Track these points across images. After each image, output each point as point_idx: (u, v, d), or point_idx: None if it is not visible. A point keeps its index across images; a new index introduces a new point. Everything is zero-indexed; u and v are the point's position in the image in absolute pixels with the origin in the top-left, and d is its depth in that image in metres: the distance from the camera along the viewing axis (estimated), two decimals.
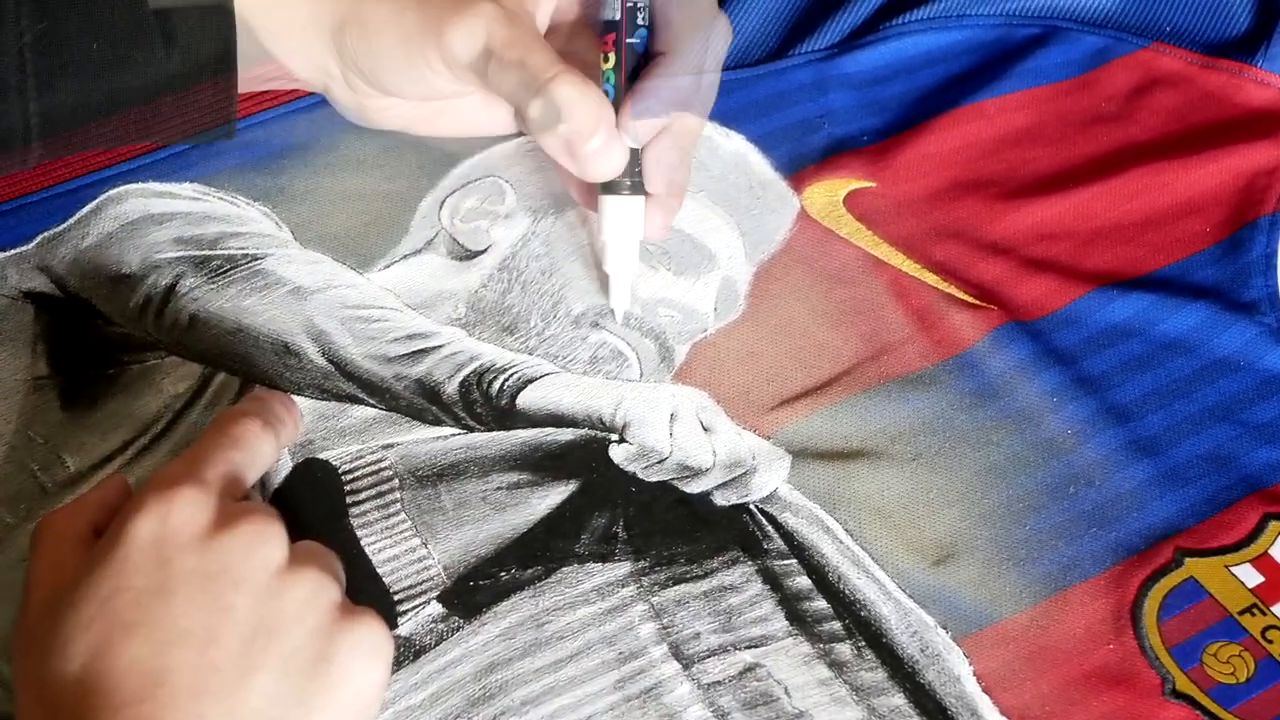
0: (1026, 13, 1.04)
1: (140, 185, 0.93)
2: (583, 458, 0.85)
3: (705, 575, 0.81)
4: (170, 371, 0.86)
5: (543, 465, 0.84)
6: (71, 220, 0.91)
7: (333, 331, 0.88)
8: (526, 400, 0.86)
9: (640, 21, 0.86)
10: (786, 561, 0.81)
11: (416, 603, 0.80)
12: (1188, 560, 0.82)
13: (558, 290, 0.91)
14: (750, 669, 0.78)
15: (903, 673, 0.79)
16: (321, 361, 0.87)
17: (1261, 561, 0.82)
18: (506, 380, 0.87)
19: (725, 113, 0.97)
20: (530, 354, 0.88)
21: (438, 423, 0.85)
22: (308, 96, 0.96)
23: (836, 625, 0.79)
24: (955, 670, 0.79)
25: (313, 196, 0.94)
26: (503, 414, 0.86)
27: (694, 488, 0.84)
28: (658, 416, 0.86)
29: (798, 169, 0.96)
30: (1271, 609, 0.81)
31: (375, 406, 0.86)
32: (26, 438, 0.84)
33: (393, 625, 0.79)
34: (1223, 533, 0.83)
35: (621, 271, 0.88)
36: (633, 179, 0.86)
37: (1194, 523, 0.84)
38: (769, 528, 0.82)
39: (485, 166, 0.95)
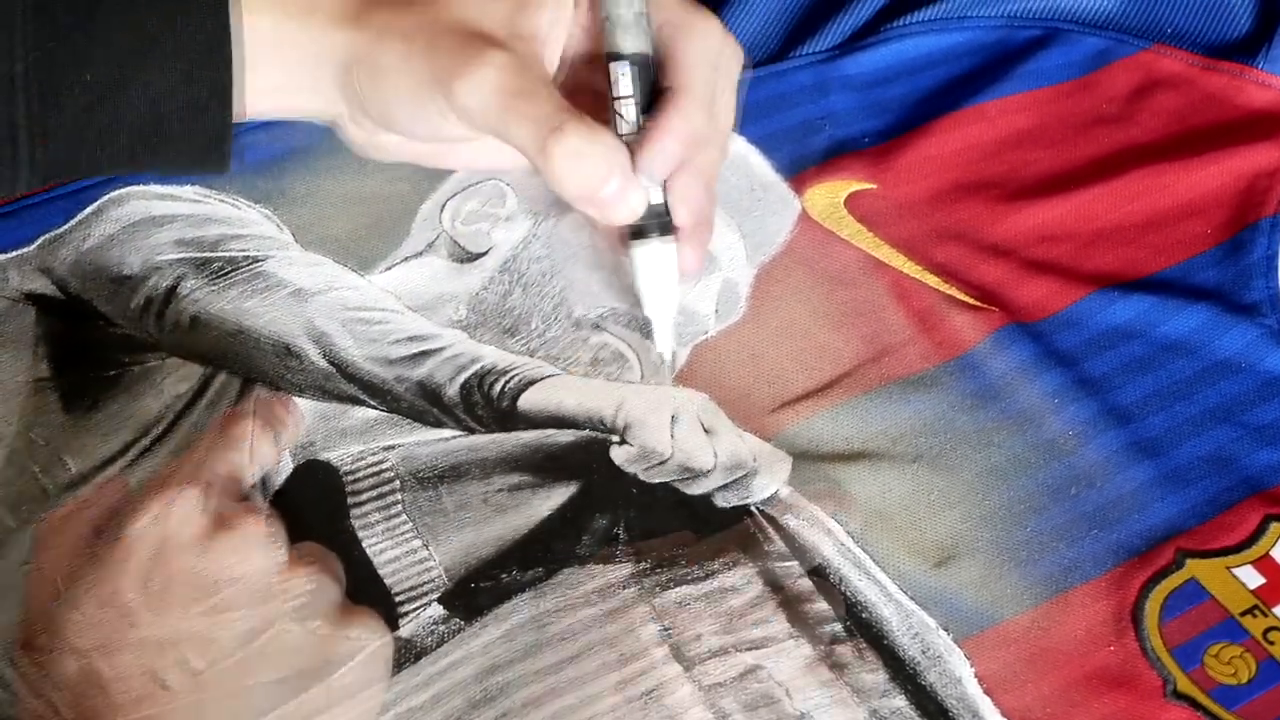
0: (1028, 14, 1.04)
1: (141, 187, 0.93)
2: (584, 459, 0.85)
3: (706, 577, 0.81)
4: (171, 372, 0.86)
5: (544, 467, 0.84)
6: (73, 222, 0.91)
7: (334, 333, 0.88)
8: (528, 402, 0.86)
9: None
10: (787, 563, 0.81)
11: (417, 604, 0.80)
12: (1189, 562, 0.82)
13: (559, 292, 0.91)
14: (751, 671, 0.78)
15: (904, 674, 0.79)
16: (323, 363, 0.87)
17: (1263, 563, 0.82)
18: (508, 382, 0.87)
19: None
20: (531, 356, 0.89)
21: (439, 425, 0.85)
22: None
23: (837, 627, 0.79)
24: (957, 672, 0.79)
25: (314, 199, 0.94)
26: (504, 416, 0.86)
27: (695, 489, 0.84)
28: (659, 418, 0.86)
29: (799, 171, 0.96)
30: (1273, 610, 0.81)
31: (376, 408, 0.86)
32: (28, 440, 0.84)
33: (394, 626, 0.79)
34: (1224, 534, 0.83)
35: (662, 315, 0.87)
36: (659, 219, 0.85)
37: (1195, 524, 0.84)
38: (770, 529, 0.82)
39: (485, 170, 0.95)
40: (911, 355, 0.89)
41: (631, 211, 0.84)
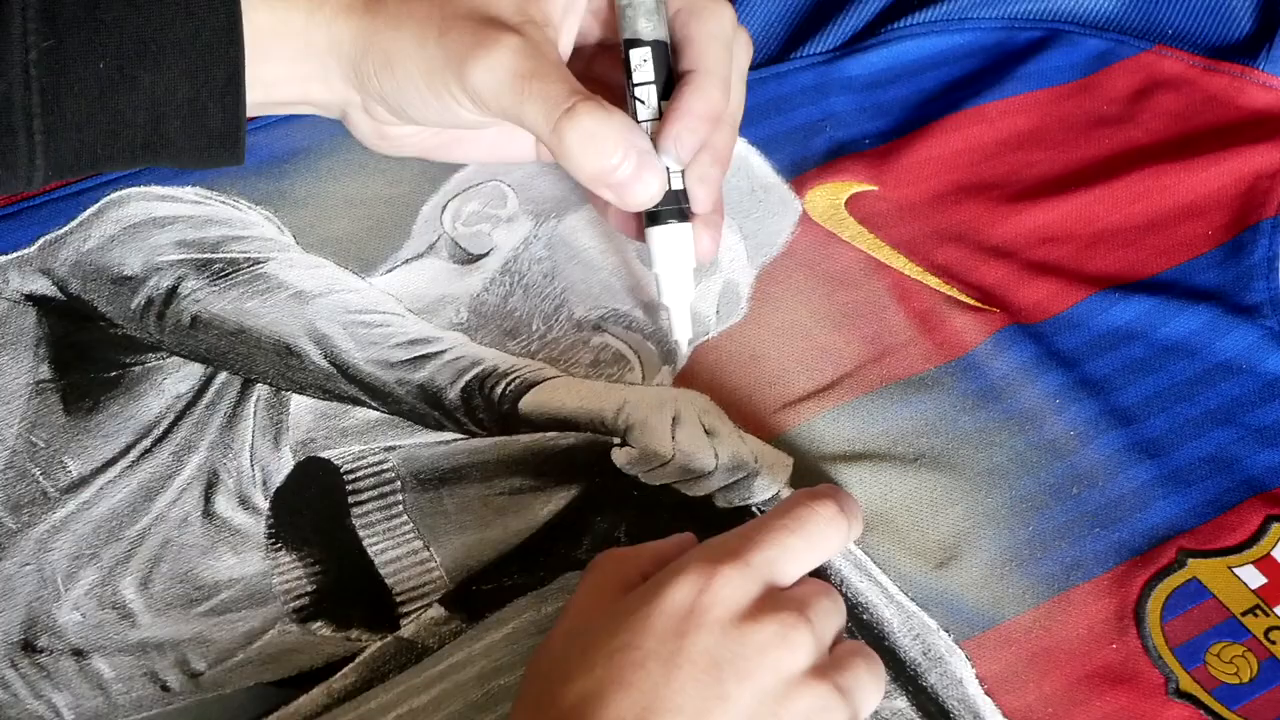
0: (1028, 16, 1.04)
1: (142, 188, 0.93)
2: (585, 462, 0.84)
3: None
4: (172, 372, 0.86)
5: (545, 470, 0.84)
6: (73, 223, 0.91)
7: (335, 336, 0.88)
8: (529, 404, 0.86)
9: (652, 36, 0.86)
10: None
11: (418, 605, 0.79)
12: (1191, 561, 0.82)
13: (559, 294, 0.91)
14: None
15: (905, 676, 0.78)
16: (324, 364, 0.87)
17: (1264, 563, 0.82)
18: (509, 385, 0.87)
19: None
20: (532, 357, 0.88)
21: (440, 427, 0.85)
22: None
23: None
24: (958, 673, 0.79)
25: (315, 201, 0.94)
26: (505, 418, 0.86)
27: (696, 491, 0.83)
28: (660, 420, 0.86)
29: (800, 172, 0.96)
30: (1274, 610, 0.81)
31: (378, 410, 0.86)
32: (29, 442, 0.84)
33: (394, 627, 0.79)
34: (1225, 534, 0.83)
35: (680, 301, 0.87)
36: (677, 205, 0.86)
37: (1197, 524, 0.83)
38: None
39: (487, 170, 0.95)
40: (913, 356, 0.89)
41: (649, 195, 0.84)
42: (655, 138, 0.84)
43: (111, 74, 0.83)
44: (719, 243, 0.88)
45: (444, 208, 0.94)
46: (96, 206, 0.92)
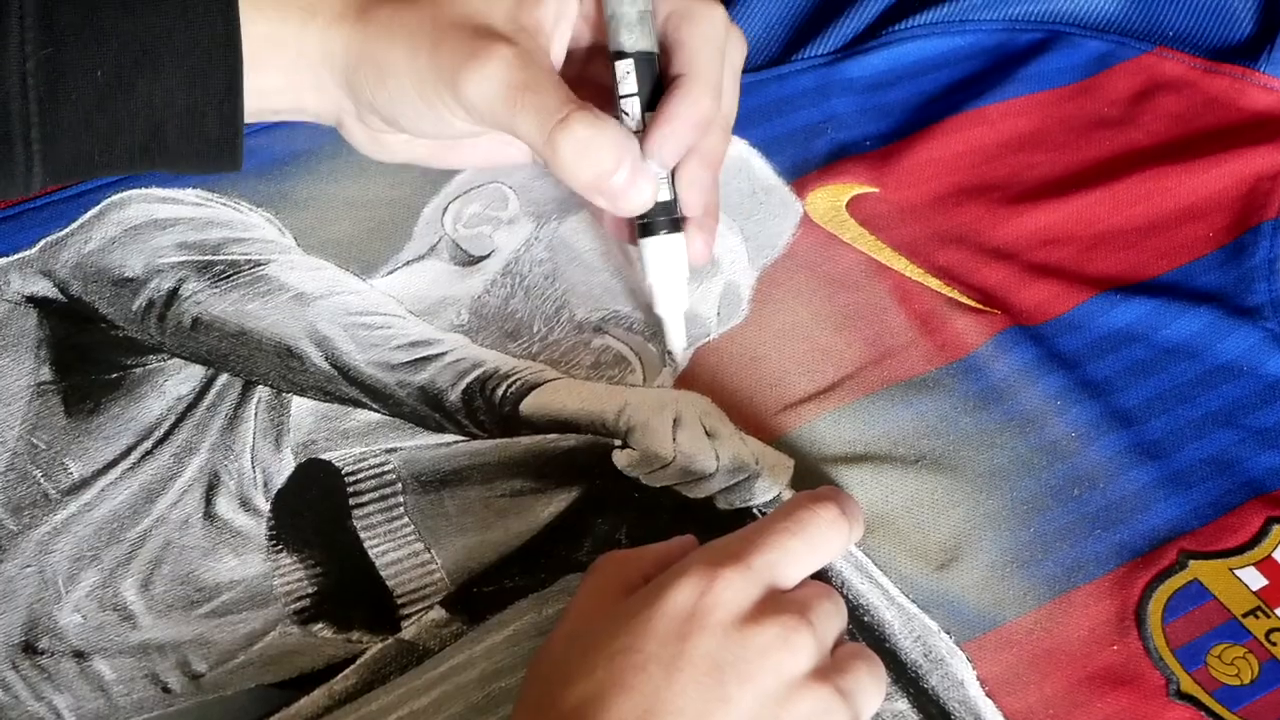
0: (1029, 18, 1.04)
1: (143, 190, 0.93)
2: (586, 464, 0.84)
3: None
4: (173, 374, 0.86)
5: (546, 472, 0.84)
6: (74, 225, 0.92)
7: (336, 338, 0.88)
8: (530, 406, 0.86)
9: (642, 45, 0.86)
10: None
11: (419, 606, 0.79)
12: (1192, 563, 0.82)
13: (560, 295, 0.91)
14: None
15: (906, 678, 0.78)
16: (325, 366, 0.87)
17: (1265, 565, 0.82)
18: (509, 387, 0.87)
19: None
20: (533, 359, 0.88)
21: (441, 429, 0.85)
22: None
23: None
24: (959, 675, 0.79)
25: (316, 203, 0.94)
26: (506, 420, 0.86)
27: (697, 493, 0.83)
28: (661, 422, 0.85)
29: (801, 174, 0.96)
30: (1275, 612, 0.80)
31: (379, 411, 0.86)
32: (30, 444, 0.84)
33: (395, 628, 0.79)
34: (1227, 536, 0.83)
35: (673, 312, 0.88)
36: (669, 215, 0.86)
37: (1198, 525, 0.83)
38: None
39: (488, 172, 0.95)
40: (914, 358, 0.89)
41: (642, 201, 0.84)
42: (641, 144, 0.84)
43: (109, 81, 0.83)
44: (712, 246, 0.89)
45: (445, 210, 0.94)
46: (98, 208, 0.92)
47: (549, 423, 0.86)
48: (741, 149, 0.96)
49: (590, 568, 0.76)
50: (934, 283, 0.92)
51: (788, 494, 0.84)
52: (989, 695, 0.78)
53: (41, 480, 0.83)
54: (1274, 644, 0.80)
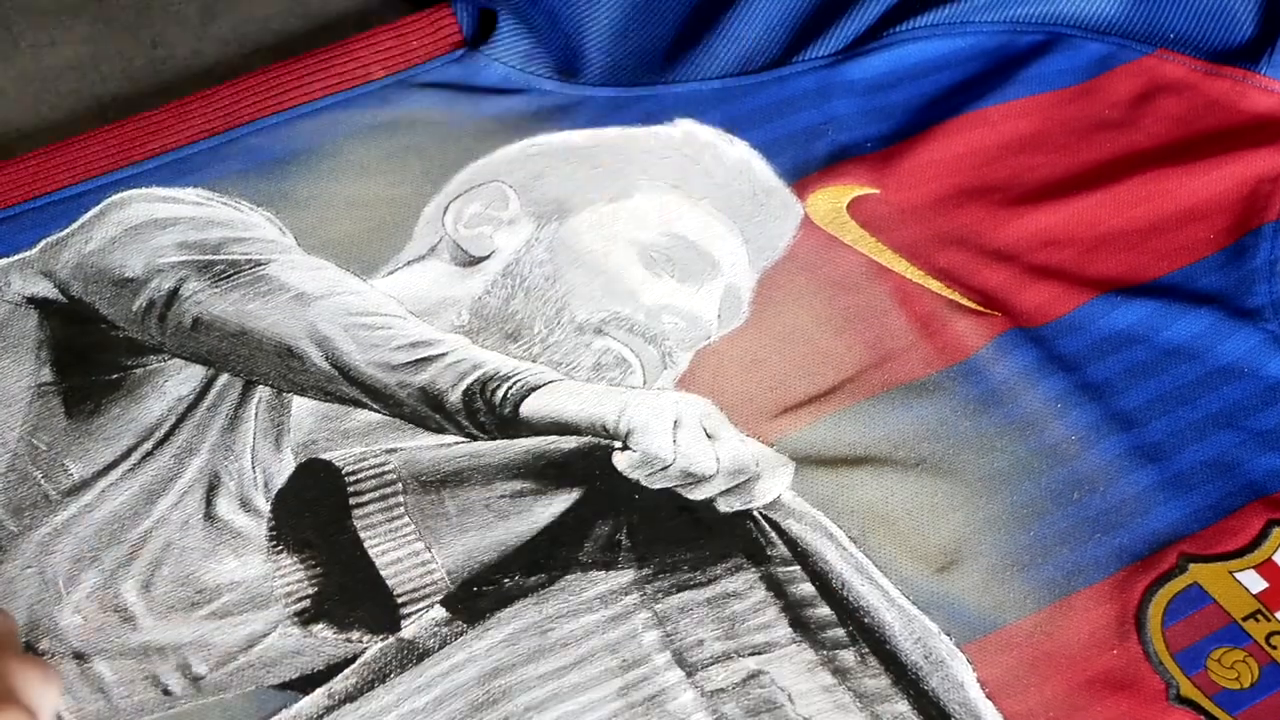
0: (1030, 19, 1.04)
1: (144, 190, 0.93)
2: (586, 465, 0.84)
3: (709, 582, 0.81)
4: (173, 374, 0.86)
5: (546, 473, 0.84)
6: (75, 225, 0.91)
7: (336, 338, 0.88)
8: (530, 408, 0.86)
9: None
10: (790, 568, 0.81)
11: (419, 606, 0.80)
12: (1192, 566, 0.82)
13: (561, 297, 0.91)
14: (754, 676, 0.78)
15: (906, 679, 0.79)
16: (325, 366, 0.87)
17: (1265, 568, 0.82)
18: (510, 388, 0.86)
19: (729, 119, 0.97)
20: (533, 361, 0.88)
21: (441, 430, 0.85)
22: (311, 103, 0.96)
23: (840, 632, 0.79)
24: (959, 677, 0.79)
25: (316, 202, 0.94)
26: (506, 422, 0.86)
27: (697, 495, 0.83)
28: (661, 423, 0.85)
29: (801, 176, 0.97)
30: (1275, 615, 0.81)
31: (379, 412, 0.86)
32: (30, 445, 0.84)
33: (395, 627, 0.79)
34: (1226, 539, 0.83)
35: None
36: None
37: (1198, 529, 0.84)
38: (772, 534, 0.82)
39: (489, 171, 0.95)
40: (914, 360, 0.89)
41: None
42: None
43: None
44: None
45: (445, 209, 0.94)
46: (98, 208, 0.92)
47: (549, 424, 0.86)
48: (742, 150, 0.97)
49: None
50: (934, 284, 0.92)
51: (788, 496, 0.84)
52: (989, 697, 0.78)
53: (42, 481, 0.83)
54: (1274, 647, 0.80)
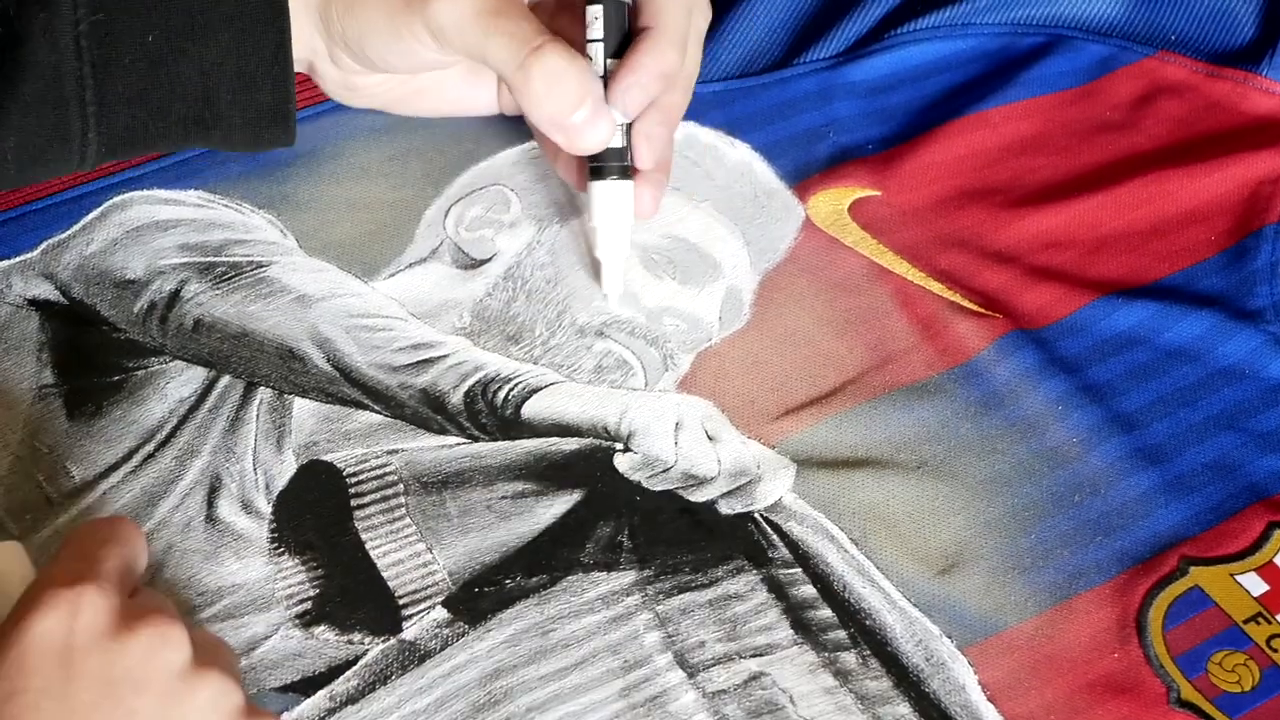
0: (1031, 21, 1.04)
1: (145, 192, 0.93)
2: (587, 467, 0.84)
3: (710, 584, 0.81)
4: (174, 376, 0.86)
5: (547, 475, 0.84)
6: (76, 227, 0.91)
7: (337, 340, 0.88)
8: (531, 410, 0.86)
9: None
10: (791, 570, 0.81)
11: (421, 607, 0.79)
12: (1193, 569, 0.82)
13: (563, 299, 0.91)
14: (755, 677, 0.78)
15: (907, 681, 0.78)
16: (327, 368, 0.87)
17: (1267, 570, 0.82)
18: (511, 390, 0.87)
19: (730, 121, 0.97)
20: (535, 363, 0.88)
21: (443, 432, 0.85)
22: (313, 105, 0.96)
23: (841, 634, 0.79)
24: (960, 679, 0.79)
25: (318, 204, 0.94)
26: (507, 424, 0.86)
27: (699, 496, 0.83)
28: (663, 425, 0.86)
29: (803, 178, 0.97)
30: (1276, 617, 0.81)
31: (380, 413, 0.86)
32: (32, 448, 0.84)
33: (396, 629, 0.79)
34: (1228, 541, 0.83)
35: (613, 256, 0.88)
36: (620, 162, 0.87)
37: (1199, 531, 0.84)
38: (774, 536, 0.82)
39: (490, 175, 0.95)
40: (915, 362, 0.89)
41: (599, 140, 0.85)
42: (606, 90, 0.85)
43: (160, 46, 0.84)
44: (660, 201, 0.89)
45: (447, 212, 0.94)
46: (99, 210, 0.92)
47: (551, 426, 0.86)
48: (744, 152, 0.97)
49: None
50: (936, 286, 0.92)
51: (789, 498, 0.84)
52: (991, 700, 0.78)
53: (43, 483, 0.83)
54: (1275, 650, 0.80)
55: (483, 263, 0.92)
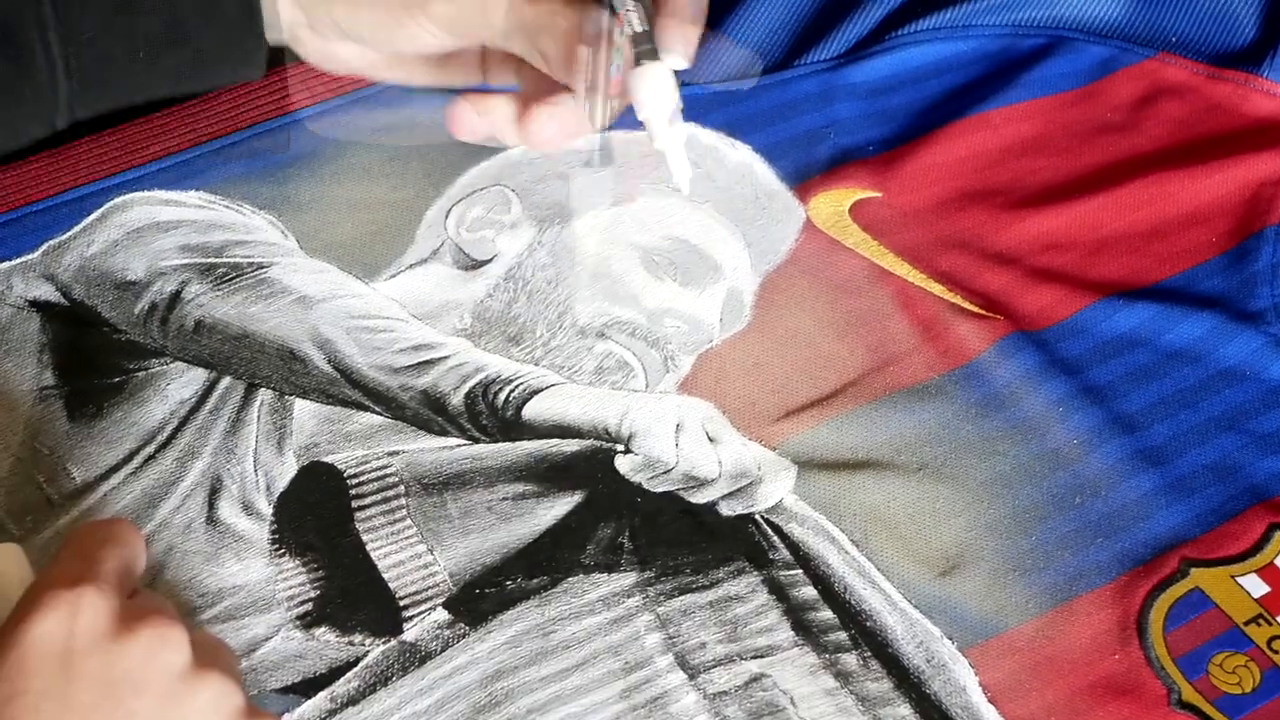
0: (1032, 23, 1.04)
1: (146, 193, 0.93)
2: (588, 469, 0.84)
3: (711, 585, 0.81)
4: (175, 378, 0.86)
5: (548, 476, 0.84)
6: (77, 228, 0.91)
7: (338, 341, 0.88)
8: (532, 411, 0.86)
9: None
10: (792, 572, 0.81)
11: (422, 608, 0.79)
12: (1194, 570, 0.82)
13: (564, 300, 0.91)
14: (756, 679, 0.78)
15: (908, 683, 0.78)
16: (328, 369, 0.87)
17: (1267, 571, 0.82)
18: (512, 392, 0.87)
19: (731, 123, 0.97)
20: (536, 364, 0.88)
21: (443, 433, 0.85)
22: (313, 105, 0.96)
23: (842, 635, 0.79)
24: (961, 680, 0.79)
25: (318, 205, 0.94)
26: (508, 425, 0.86)
27: (700, 498, 0.83)
28: (663, 427, 0.86)
29: (803, 179, 0.96)
30: (1277, 619, 0.81)
31: (381, 415, 0.86)
32: (33, 449, 0.84)
33: (397, 630, 0.79)
34: (1228, 543, 0.83)
35: (673, 141, 0.86)
36: (647, 45, 0.85)
37: (1200, 533, 0.84)
38: (775, 538, 0.82)
39: (491, 175, 0.95)
40: (916, 364, 0.89)
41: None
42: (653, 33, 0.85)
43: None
44: (695, 49, 0.87)
45: (448, 212, 0.94)
46: (100, 211, 0.92)
47: (552, 428, 0.86)
48: (745, 154, 0.97)
49: None
50: (936, 288, 0.92)
51: (790, 500, 0.84)
52: (991, 701, 0.78)
53: (44, 485, 0.83)
54: (1276, 651, 0.80)
55: (484, 263, 0.92)
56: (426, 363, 0.88)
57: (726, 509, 0.83)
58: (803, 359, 0.89)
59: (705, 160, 0.95)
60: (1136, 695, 0.78)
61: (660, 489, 0.84)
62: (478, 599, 0.80)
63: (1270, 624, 0.80)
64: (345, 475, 0.84)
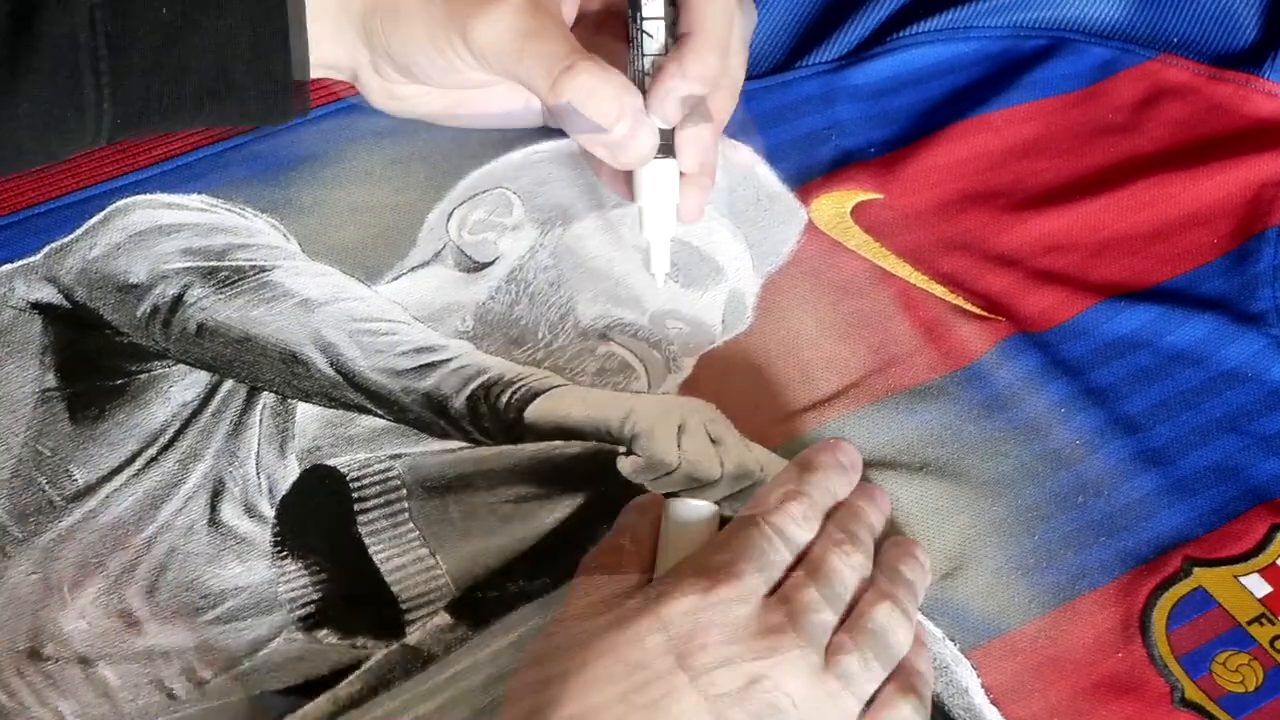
0: (1034, 24, 1.04)
1: (148, 196, 0.93)
2: (590, 470, 0.84)
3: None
4: (177, 380, 0.86)
5: (550, 478, 0.84)
6: (79, 231, 0.91)
7: (341, 344, 0.88)
8: (534, 413, 0.86)
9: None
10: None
11: (424, 612, 0.79)
12: (1196, 570, 0.82)
13: (565, 302, 0.91)
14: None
15: None
16: (330, 372, 0.87)
17: (1270, 572, 0.82)
18: (514, 394, 0.87)
19: (733, 124, 0.97)
20: (538, 366, 0.88)
21: (446, 436, 0.85)
22: (315, 108, 0.96)
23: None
24: (963, 682, 0.79)
25: (321, 208, 0.94)
26: (510, 427, 0.86)
27: (702, 499, 0.83)
28: (666, 429, 0.86)
29: (805, 181, 0.97)
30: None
31: (383, 417, 0.86)
32: (34, 451, 0.84)
33: (400, 634, 0.79)
34: (1231, 543, 0.83)
35: (660, 236, 0.89)
36: (666, 142, 0.87)
37: (1202, 533, 0.84)
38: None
39: (493, 178, 0.95)
40: (918, 365, 0.89)
41: (641, 155, 0.86)
42: (646, 94, 0.86)
43: (175, 20, 0.85)
44: (704, 205, 0.90)
45: (450, 215, 0.94)
46: (102, 214, 0.92)
47: (554, 429, 0.86)
48: (746, 155, 0.97)
49: (581, 568, 0.76)
50: (938, 289, 0.92)
51: None
52: (994, 703, 0.78)
53: (46, 487, 0.83)
54: (1279, 650, 0.80)
55: (485, 266, 0.92)
56: (428, 365, 0.88)
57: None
58: (805, 360, 0.89)
59: None
60: (1139, 693, 0.78)
61: (663, 490, 0.84)
62: (480, 602, 0.80)
63: (1273, 623, 0.80)
64: (347, 478, 0.84)
